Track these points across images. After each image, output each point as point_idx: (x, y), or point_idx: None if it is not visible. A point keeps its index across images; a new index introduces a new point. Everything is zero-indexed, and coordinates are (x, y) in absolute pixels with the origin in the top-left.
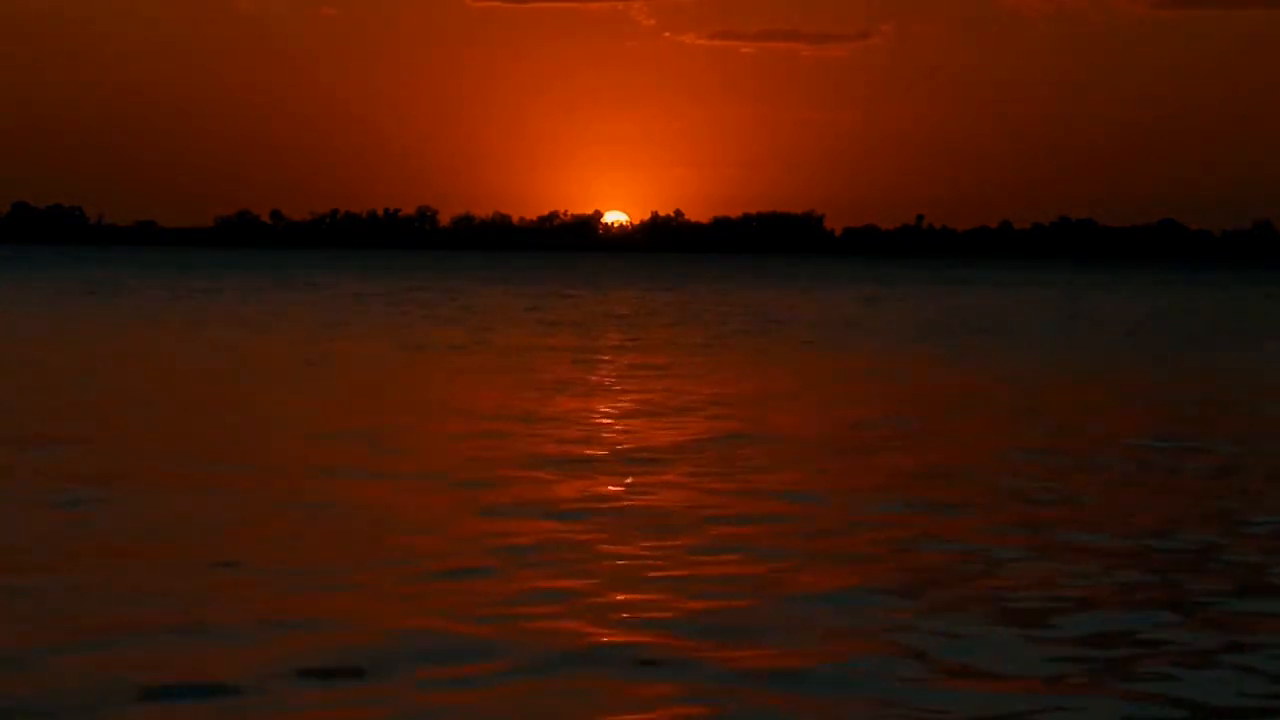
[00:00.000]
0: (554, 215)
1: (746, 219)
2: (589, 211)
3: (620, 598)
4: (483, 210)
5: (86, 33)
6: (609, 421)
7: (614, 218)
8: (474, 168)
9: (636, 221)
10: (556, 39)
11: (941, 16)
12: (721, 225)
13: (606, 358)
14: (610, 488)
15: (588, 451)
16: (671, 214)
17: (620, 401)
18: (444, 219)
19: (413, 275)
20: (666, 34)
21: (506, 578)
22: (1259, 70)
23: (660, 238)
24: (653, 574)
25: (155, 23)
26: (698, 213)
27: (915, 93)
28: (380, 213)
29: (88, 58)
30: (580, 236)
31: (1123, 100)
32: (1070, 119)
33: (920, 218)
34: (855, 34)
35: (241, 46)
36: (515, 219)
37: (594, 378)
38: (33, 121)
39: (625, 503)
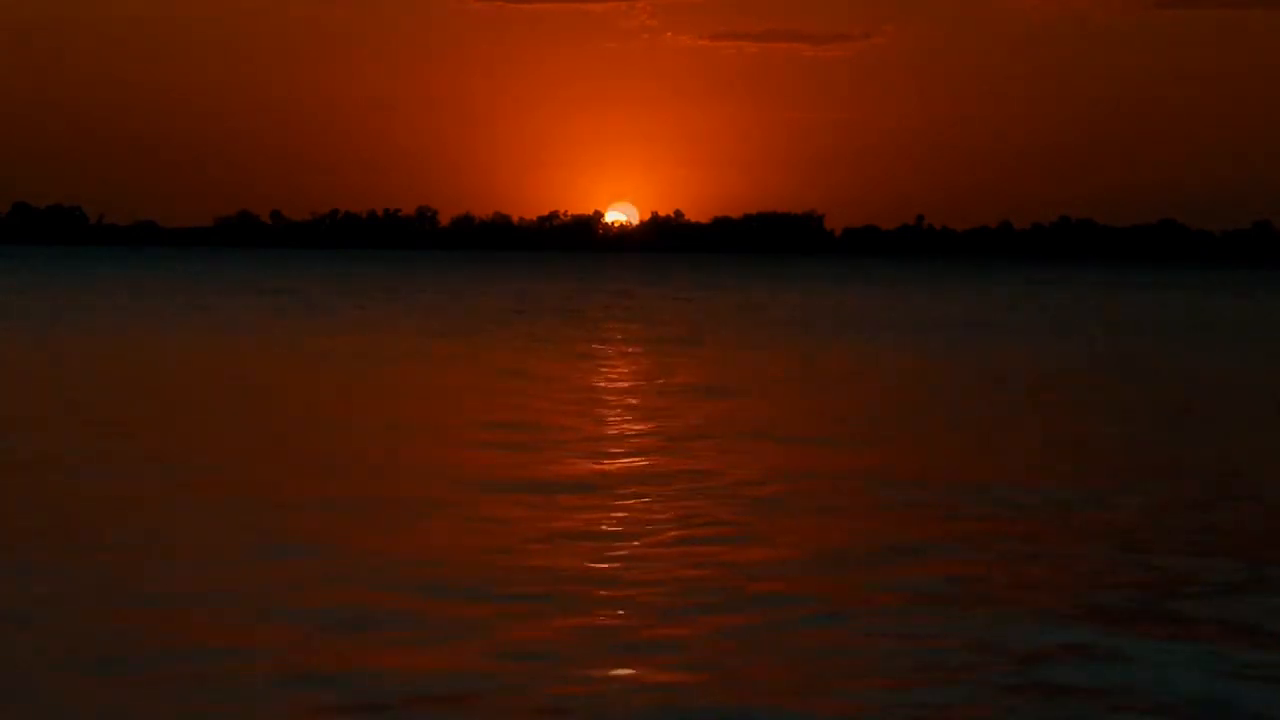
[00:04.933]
0: (554, 215)
1: (746, 219)
2: (589, 212)
3: None
4: (483, 210)
5: (87, 33)
6: None
7: (615, 216)
8: (474, 168)
9: (636, 221)
10: (557, 39)
11: (943, 17)
12: (721, 225)
13: None
14: None
15: None
16: (671, 214)
17: None
18: (444, 219)
19: (509, 278)
20: (668, 34)
21: None
22: (1260, 70)
23: (660, 238)
24: None
25: (155, 22)
26: (698, 213)
27: (916, 93)
28: (380, 213)
29: (88, 58)
30: (581, 236)
31: (1123, 100)
32: (1070, 119)
33: (920, 218)
34: (858, 34)
35: (242, 46)
36: (515, 219)
37: None
38: (33, 121)
39: None
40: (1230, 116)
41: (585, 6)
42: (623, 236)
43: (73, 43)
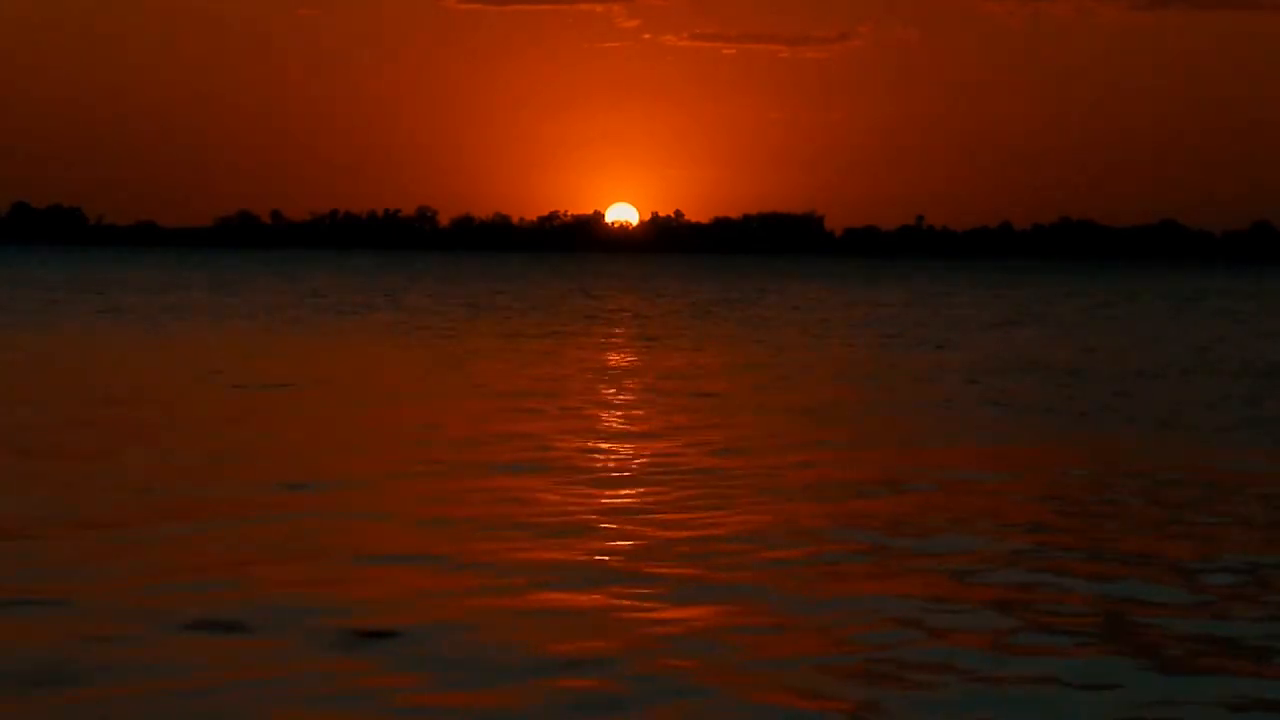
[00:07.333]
0: (554, 215)
1: (746, 219)
2: (589, 212)
3: None
4: (483, 211)
5: (87, 33)
6: None
7: (616, 215)
8: (474, 168)
9: (636, 221)
10: (555, 39)
11: (971, 19)
12: (721, 225)
13: None
14: None
15: None
16: (671, 214)
17: None
18: (444, 219)
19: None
20: (669, 35)
21: None
22: (1260, 71)
23: (660, 238)
24: None
25: (157, 22)
26: (698, 213)
27: (915, 93)
28: (380, 213)
29: (88, 58)
30: (581, 236)
31: (1123, 100)
32: (1072, 120)
33: (920, 218)
34: (867, 33)
35: (243, 47)
36: (515, 219)
37: None
38: (33, 121)
39: None
40: (1230, 116)
41: (573, 8)
42: (623, 237)
43: (73, 43)
